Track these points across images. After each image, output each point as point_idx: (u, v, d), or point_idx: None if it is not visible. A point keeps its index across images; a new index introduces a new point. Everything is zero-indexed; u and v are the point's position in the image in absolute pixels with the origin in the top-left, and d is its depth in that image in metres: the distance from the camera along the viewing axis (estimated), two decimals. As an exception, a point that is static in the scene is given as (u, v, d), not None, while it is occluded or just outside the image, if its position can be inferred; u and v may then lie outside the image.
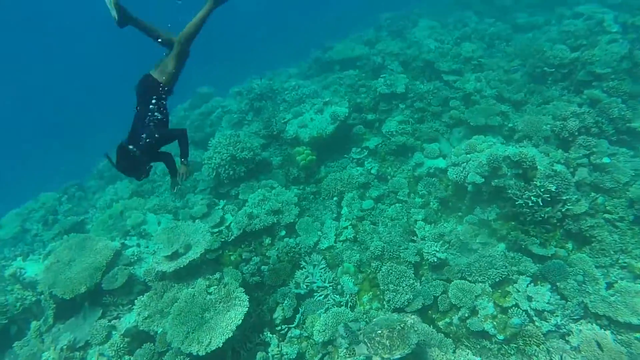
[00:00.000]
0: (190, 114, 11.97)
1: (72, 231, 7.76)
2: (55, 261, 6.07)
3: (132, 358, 5.11)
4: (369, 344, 4.40)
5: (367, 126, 9.00)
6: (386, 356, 4.23)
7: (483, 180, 6.30)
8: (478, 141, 7.01)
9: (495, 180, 6.21)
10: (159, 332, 5.35)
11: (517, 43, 9.77)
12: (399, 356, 4.20)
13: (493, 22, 11.22)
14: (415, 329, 4.43)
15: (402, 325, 4.40)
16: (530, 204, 5.82)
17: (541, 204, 5.78)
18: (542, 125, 7.02)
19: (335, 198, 7.47)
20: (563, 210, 5.78)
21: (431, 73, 10.10)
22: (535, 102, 8.05)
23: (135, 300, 5.61)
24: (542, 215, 5.81)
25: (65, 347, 5.25)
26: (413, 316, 5.02)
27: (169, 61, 3.89)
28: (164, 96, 3.85)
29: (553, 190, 5.74)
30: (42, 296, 6.01)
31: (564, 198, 5.79)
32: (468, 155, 6.77)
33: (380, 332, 4.39)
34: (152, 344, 5.21)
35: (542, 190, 5.77)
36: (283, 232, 6.91)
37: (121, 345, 5.26)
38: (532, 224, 5.92)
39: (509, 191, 6.05)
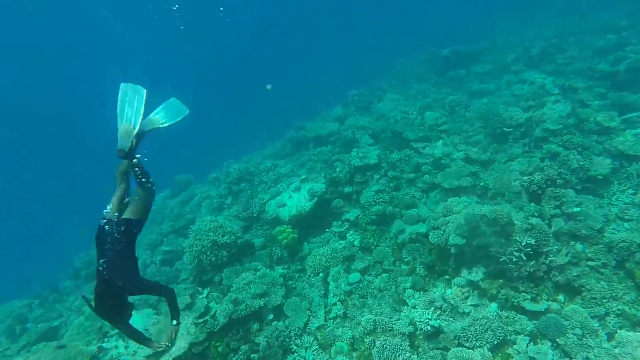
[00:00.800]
0: (170, 202, 11.98)
1: (44, 339, 7.21)
2: (23, 377, 5.55)
3: None
4: None
5: (345, 199, 9.16)
6: None
7: (464, 241, 6.36)
8: (454, 203, 7.20)
9: (476, 240, 6.28)
10: None
11: (475, 108, 10.54)
12: None
13: (450, 92, 12.19)
14: None
15: None
16: (515, 259, 5.86)
17: (524, 258, 5.83)
18: (511, 182, 7.32)
19: (321, 274, 7.33)
20: (547, 262, 5.83)
21: (400, 142, 10.62)
22: (501, 160, 8.47)
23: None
24: (528, 270, 5.82)
25: None
26: None
27: (140, 203, 4.06)
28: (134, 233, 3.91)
29: (533, 243, 5.84)
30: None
31: (546, 250, 5.88)
32: (446, 218, 6.90)
33: None
34: None
35: (522, 244, 5.86)
36: (271, 316, 6.63)
37: None
38: (520, 280, 5.91)
39: (491, 249, 6.10)
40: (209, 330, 6.48)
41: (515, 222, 6.22)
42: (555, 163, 7.35)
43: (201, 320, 6.71)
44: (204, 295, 7.33)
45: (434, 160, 9.23)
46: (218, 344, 6.40)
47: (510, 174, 7.62)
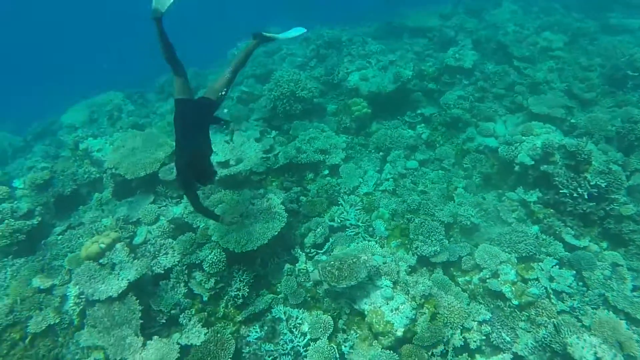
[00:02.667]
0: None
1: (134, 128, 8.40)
2: (121, 146, 6.67)
3: (174, 241, 5.66)
4: (321, 272, 4.87)
5: (425, 94, 9.02)
6: (333, 284, 4.71)
7: (533, 162, 6.32)
8: (536, 126, 6.95)
9: (545, 166, 6.22)
10: (201, 226, 5.88)
11: (602, 43, 9.34)
12: (345, 286, 4.66)
13: (581, 18, 10.72)
14: (368, 265, 4.79)
15: (354, 260, 4.79)
16: (575, 195, 5.85)
17: (586, 197, 5.79)
18: (607, 125, 6.86)
19: (381, 153, 7.66)
20: (607, 209, 5.78)
21: (502, 56, 9.88)
22: (606, 105, 7.82)
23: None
24: (584, 209, 5.83)
25: (121, 218, 5.88)
26: (369, 254, 5.12)
27: (221, 84, 4.18)
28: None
29: (602, 186, 5.73)
30: (105, 174, 6.67)
31: (612, 197, 5.77)
32: (523, 137, 6.77)
33: (332, 263, 4.81)
34: (193, 234, 5.74)
35: (591, 183, 5.77)
36: (326, 171, 7.20)
37: (166, 229, 5.83)
38: (571, 216, 5.97)
39: (556, 179, 6.06)
40: (268, 166, 7.20)
41: (593, 162, 6.01)
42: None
43: (264, 155, 7.42)
44: (272, 135, 7.97)
45: (532, 83, 8.64)
46: (273, 179, 7.17)
47: (609, 117, 7.09)
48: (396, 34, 12.14)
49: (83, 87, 13.69)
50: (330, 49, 10.30)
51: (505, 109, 8.41)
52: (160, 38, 3.94)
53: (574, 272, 5.37)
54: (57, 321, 4.73)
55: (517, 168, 6.53)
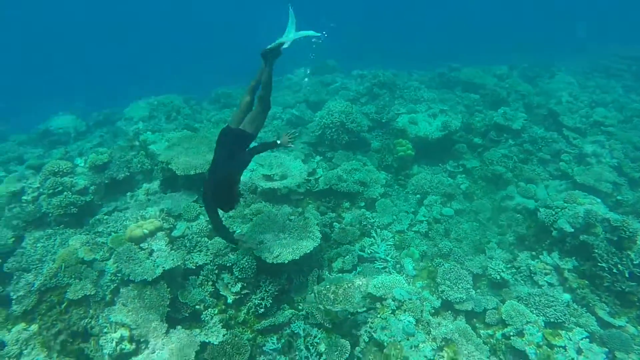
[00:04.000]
0: (311, 79, 12.95)
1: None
2: (176, 144, 7.13)
3: (210, 241, 5.90)
4: (316, 296, 4.98)
5: (470, 147, 9.16)
6: (328, 307, 4.86)
7: (572, 230, 6.24)
8: (581, 195, 6.90)
9: (585, 236, 6.12)
10: (237, 231, 6.10)
11: (659, 126, 9.29)
12: (340, 309, 4.85)
13: None
14: (362, 290, 4.96)
15: (348, 285, 4.98)
16: (615, 271, 5.69)
17: (627, 275, 5.63)
18: (656, 207, 6.73)
19: (418, 196, 7.76)
20: (650, 293, 5.57)
21: (552, 124, 9.98)
22: (656, 188, 7.68)
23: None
24: (622, 287, 5.65)
25: (164, 209, 6.22)
26: (364, 279, 5.19)
27: (257, 117, 4.31)
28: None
29: (647, 267, 5.57)
30: (156, 167, 7.11)
31: (656, 282, 5.58)
32: (565, 204, 6.72)
33: (328, 286, 4.96)
34: (230, 237, 5.96)
35: (634, 262, 5.62)
36: (362, 203, 7.36)
37: (204, 228, 6.09)
38: (607, 291, 5.78)
39: (596, 251, 5.93)
40: (308, 188, 7.45)
41: (639, 242, 5.88)
42: None
43: (307, 177, 7.66)
44: (316, 160, 8.27)
45: (579, 154, 8.65)
46: (311, 201, 7.39)
47: (660, 201, 6.95)
48: (448, 86, 12.51)
49: (146, 86, 14.90)
50: (384, 89, 10.72)
51: (548, 174, 8.41)
52: (265, 72, 4.32)
53: (606, 349, 5.15)
54: (92, 293, 4.98)
55: (554, 233, 6.44)
